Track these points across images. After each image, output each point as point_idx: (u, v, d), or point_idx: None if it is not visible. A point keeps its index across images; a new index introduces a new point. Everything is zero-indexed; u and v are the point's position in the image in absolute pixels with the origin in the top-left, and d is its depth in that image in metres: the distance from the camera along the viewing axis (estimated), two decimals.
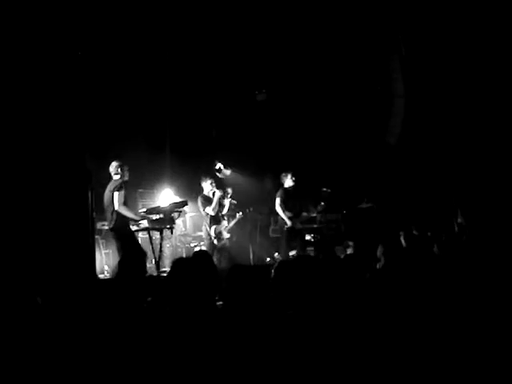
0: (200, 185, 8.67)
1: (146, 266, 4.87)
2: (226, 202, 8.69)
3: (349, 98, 10.83)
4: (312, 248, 9.32)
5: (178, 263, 2.92)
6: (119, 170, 7.15)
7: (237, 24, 9.50)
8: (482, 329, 2.92)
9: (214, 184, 8.51)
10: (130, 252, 6.87)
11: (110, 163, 7.27)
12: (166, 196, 9.65)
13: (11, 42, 5.59)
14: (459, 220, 7.59)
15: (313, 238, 8.54)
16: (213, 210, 8.27)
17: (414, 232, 7.14)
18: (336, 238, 10.16)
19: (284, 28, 9.72)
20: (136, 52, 9.52)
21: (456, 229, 7.42)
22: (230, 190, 8.75)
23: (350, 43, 10.06)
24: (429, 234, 7.18)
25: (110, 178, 7.26)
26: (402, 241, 7.70)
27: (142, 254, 6.76)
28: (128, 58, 9.47)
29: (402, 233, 7.50)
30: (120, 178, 7.13)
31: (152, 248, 7.23)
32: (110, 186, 7.14)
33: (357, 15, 9.57)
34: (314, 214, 9.78)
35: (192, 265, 2.92)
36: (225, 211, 8.76)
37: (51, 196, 5.65)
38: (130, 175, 7.44)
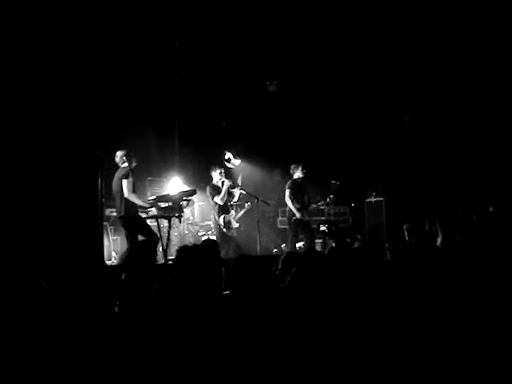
0: (209, 174, 8.69)
1: (156, 253, 4.89)
2: (237, 191, 8.69)
3: (359, 91, 10.78)
4: (320, 240, 9.31)
5: (181, 252, 2.93)
6: (125, 158, 7.17)
7: (249, 14, 9.46)
8: (484, 330, 2.92)
9: (223, 173, 8.52)
10: (140, 239, 6.94)
11: (119, 150, 7.28)
12: (174, 184, 9.67)
13: (23, 30, 5.60)
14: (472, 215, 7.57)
15: (327, 228, 8.55)
16: (221, 199, 8.29)
17: (426, 226, 7.12)
18: (344, 230, 10.16)
19: (296, 19, 9.66)
20: (147, 41, 9.51)
21: (473, 218, 7.41)
22: (239, 181, 8.73)
23: (362, 35, 9.98)
24: (434, 228, 7.15)
25: (117, 165, 7.29)
26: (406, 234, 7.66)
27: (155, 239, 6.83)
28: (139, 47, 9.46)
29: (405, 226, 7.46)
30: (127, 166, 7.15)
31: (160, 236, 7.25)
32: (118, 174, 7.16)
33: (368, 12, 9.48)
34: (323, 207, 9.78)
35: (195, 253, 2.93)
36: (234, 200, 8.77)
37: (61, 182, 5.67)
38: (139, 163, 7.44)
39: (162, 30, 9.48)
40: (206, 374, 2.38)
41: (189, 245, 3.23)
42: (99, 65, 7.02)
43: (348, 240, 8.60)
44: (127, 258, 3.66)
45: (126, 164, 7.16)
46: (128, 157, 7.17)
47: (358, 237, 8.80)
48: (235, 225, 8.52)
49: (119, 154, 7.21)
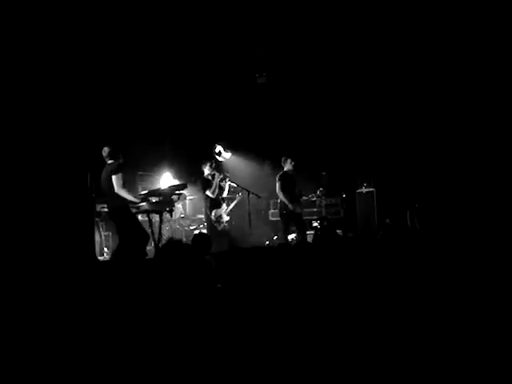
0: (200, 168, 8.67)
1: (146, 248, 4.89)
2: (226, 184, 8.69)
3: (349, 82, 10.78)
4: (312, 232, 9.34)
5: (165, 249, 2.93)
6: (112, 154, 7.11)
7: (239, 6, 9.40)
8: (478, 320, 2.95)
9: (213, 167, 8.51)
10: (131, 235, 6.91)
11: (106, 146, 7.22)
12: (165, 179, 9.65)
13: (18, 33, 5.55)
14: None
15: (319, 224, 8.59)
16: (212, 192, 8.29)
17: (415, 217, 7.18)
18: (336, 222, 10.20)
19: (286, 11, 9.62)
20: (137, 34, 9.44)
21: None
22: (227, 174, 8.76)
23: (352, 26, 9.96)
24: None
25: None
26: (408, 221, 7.69)
27: (145, 237, 6.80)
28: (129, 39, 9.38)
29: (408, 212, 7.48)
30: (115, 161, 7.08)
31: (151, 231, 7.23)
32: (106, 170, 7.08)
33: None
34: (314, 198, 9.79)
35: (178, 249, 2.93)
36: (225, 194, 8.77)
37: (51, 178, 5.65)
38: (128, 158, 7.38)
39: (152, 23, 9.39)
40: (199, 367, 2.38)
41: (170, 241, 3.22)
42: (87, 58, 6.95)
43: (338, 232, 8.64)
44: (118, 253, 3.65)
45: (112, 160, 7.10)
46: (115, 153, 7.10)
47: (350, 234, 8.84)
48: (226, 218, 8.52)
49: (106, 149, 7.13)
